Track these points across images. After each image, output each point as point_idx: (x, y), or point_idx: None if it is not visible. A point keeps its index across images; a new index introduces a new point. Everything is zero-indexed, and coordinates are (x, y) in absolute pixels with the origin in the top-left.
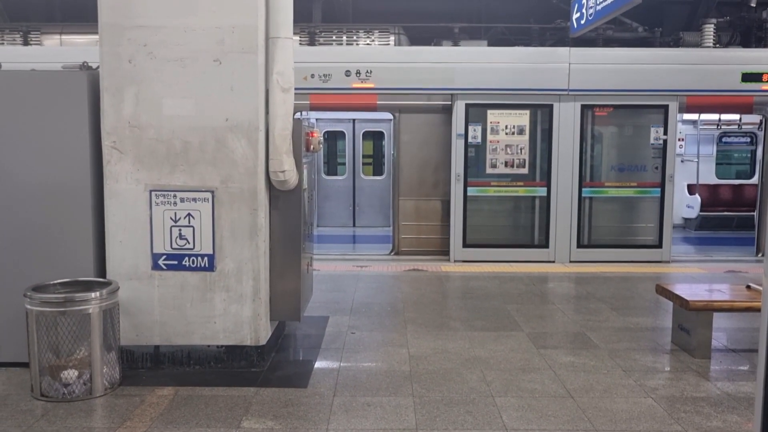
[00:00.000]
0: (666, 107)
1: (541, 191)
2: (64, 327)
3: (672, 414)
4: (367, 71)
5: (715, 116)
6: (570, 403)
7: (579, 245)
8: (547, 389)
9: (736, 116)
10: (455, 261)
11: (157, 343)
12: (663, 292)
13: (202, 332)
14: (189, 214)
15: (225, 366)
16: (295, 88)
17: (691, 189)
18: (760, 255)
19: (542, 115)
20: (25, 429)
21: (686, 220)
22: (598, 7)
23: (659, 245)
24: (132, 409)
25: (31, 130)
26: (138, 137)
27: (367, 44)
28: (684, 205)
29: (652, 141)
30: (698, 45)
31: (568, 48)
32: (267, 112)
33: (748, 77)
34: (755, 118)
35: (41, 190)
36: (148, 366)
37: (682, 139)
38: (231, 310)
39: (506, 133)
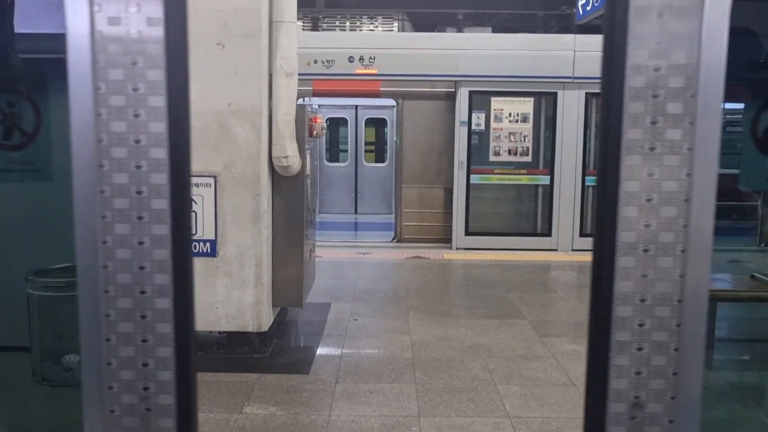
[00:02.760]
0: None
1: (545, 179)
2: (66, 312)
3: None
4: (371, 57)
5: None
6: (572, 392)
7: (582, 234)
8: (550, 377)
9: (739, 105)
10: (457, 249)
11: None
12: None
13: (204, 318)
14: (192, 200)
15: (227, 352)
16: (298, 74)
17: None
18: (763, 245)
19: (546, 103)
20: (26, 414)
21: None
22: None
23: None
24: None
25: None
26: None
27: (371, 30)
28: None
29: None
30: None
31: (573, 35)
32: (270, 97)
33: None
34: None
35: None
36: None
37: None
38: (233, 296)
39: (510, 121)
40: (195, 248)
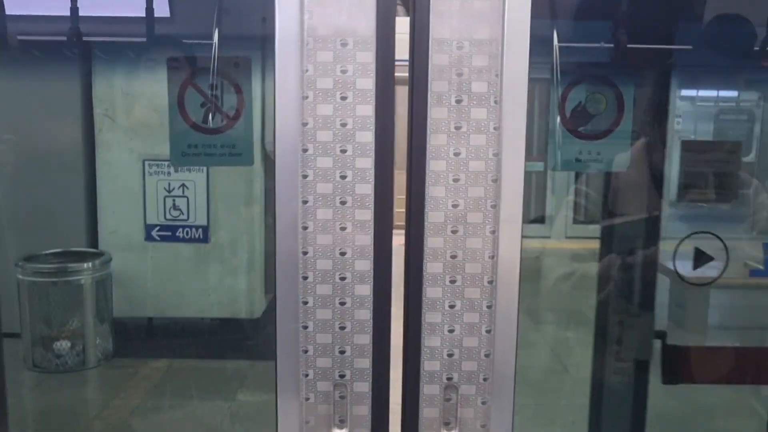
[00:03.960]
0: None
1: (538, 166)
2: (56, 297)
3: (669, 391)
4: None
5: (713, 93)
6: (567, 379)
7: (575, 221)
8: (544, 365)
9: (734, 93)
10: None
11: (150, 314)
12: (659, 268)
13: (196, 304)
14: (183, 185)
15: (219, 338)
16: None
17: None
18: (755, 233)
19: (540, 86)
20: (18, 400)
21: None
22: None
23: None
24: (126, 381)
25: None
26: (131, 104)
27: None
28: None
29: None
30: None
31: None
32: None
33: None
34: (754, 95)
35: (32, 158)
36: (142, 338)
37: (680, 116)
38: (225, 283)
39: None
40: (187, 234)
